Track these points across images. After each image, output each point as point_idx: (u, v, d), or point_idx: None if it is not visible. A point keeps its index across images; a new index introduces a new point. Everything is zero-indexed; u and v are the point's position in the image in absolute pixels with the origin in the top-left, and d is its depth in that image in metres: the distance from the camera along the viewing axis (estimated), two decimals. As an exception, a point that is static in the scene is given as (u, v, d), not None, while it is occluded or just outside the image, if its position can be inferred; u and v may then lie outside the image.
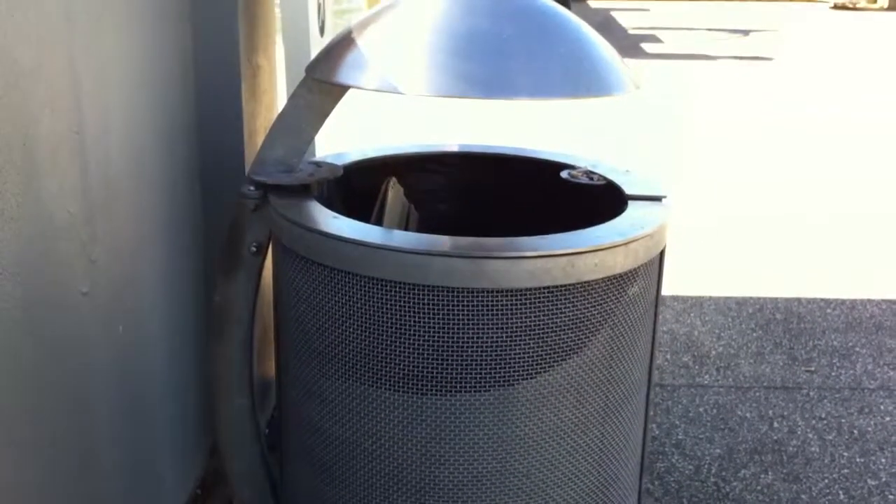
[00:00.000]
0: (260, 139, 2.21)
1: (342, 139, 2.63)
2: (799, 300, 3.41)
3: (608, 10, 10.82)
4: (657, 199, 1.60)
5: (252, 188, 1.62)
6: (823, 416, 2.63)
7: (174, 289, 1.99)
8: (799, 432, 2.55)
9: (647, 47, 8.57)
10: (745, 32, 9.61)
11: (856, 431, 2.56)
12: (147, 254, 1.82)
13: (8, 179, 1.25)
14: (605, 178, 1.71)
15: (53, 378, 1.42)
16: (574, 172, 1.74)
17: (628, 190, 1.63)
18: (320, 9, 2.24)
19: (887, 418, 2.63)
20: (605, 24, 9.58)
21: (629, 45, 8.44)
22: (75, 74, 1.46)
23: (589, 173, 1.74)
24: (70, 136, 1.45)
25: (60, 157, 1.42)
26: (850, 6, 11.15)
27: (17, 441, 1.31)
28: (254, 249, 1.66)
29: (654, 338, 1.60)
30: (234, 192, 1.72)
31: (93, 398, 1.57)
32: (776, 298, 3.42)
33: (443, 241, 1.41)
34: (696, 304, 3.33)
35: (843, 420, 2.61)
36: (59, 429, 1.45)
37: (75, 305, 1.49)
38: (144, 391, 1.83)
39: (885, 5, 11.46)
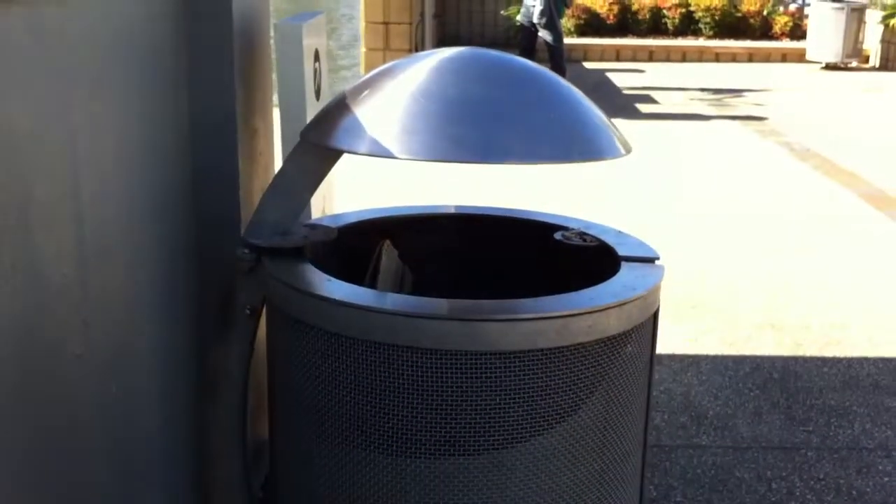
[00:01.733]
0: (256, 201, 2.22)
1: (337, 201, 2.64)
2: (796, 359, 3.40)
3: (603, 70, 10.94)
4: (650, 260, 1.61)
5: (247, 251, 1.63)
6: (822, 476, 2.61)
7: (168, 351, 1.99)
8: (797, 493, 2.52)
9: (642, 107, 8.66)
10: (739, 92, 9.72)
11: (854, 492, 2.54)
12: (141, 316, 1.82)
13: (3, 241, 1.26)
14: (598, 240, 1.72)
15: (45, 441, 1.41)
16: (567, 234, 1.76)
17: (621, 251, 1.64)
18: (316, 73, 2.27)
19: (886, 479, 2.61)
20: (601, 84, 9.69)
21: (623, 104, 8.53)
22: (72, 140, 1.47)
23: (582, 235, 1.75)
24: (66, 200, 1.46)
25: (56, 220, 1.42)
26: (843, 66, 11.28)
27: (9, 500, 1.30)
28: (248, 312, 1.67)
29: (648, 398, 1.60)
30: (229, 255, 1.73)
31: (84, 461, 1.56)
32: (773, 357, 3.41)
33: (437, 304, 1.41)
34: (692, 364, 3.32)
35: (841, 481, 2.59)
36: (49, 493, 1.43)
37: (68, 368, 1.48)
38: (137, 454, 1.82)
39: (877, 65, 11.60)
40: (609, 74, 10.68)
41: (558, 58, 9.05)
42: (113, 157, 1.65)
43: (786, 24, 12.60)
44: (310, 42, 2.19)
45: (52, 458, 1.44)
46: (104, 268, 1.61)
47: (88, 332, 1.55)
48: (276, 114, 2.31)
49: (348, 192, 3.53)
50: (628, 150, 1.46)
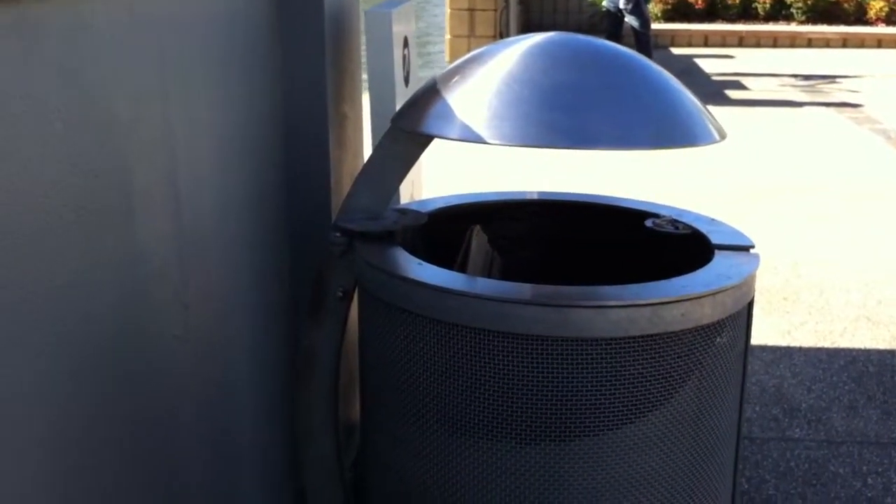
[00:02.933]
0: (345, 187, 2.25)
1: (427, 187, 2.66)
2: (893, 353, 3.30)
3: (691, 56, 10.74)
4: (745, 248, 1.58)
5: (339, 235, 1.65)
6: (920, 473, 2.53)
7: (261, 335, 2.03)
8: (895, 490, 2.45)
9: (731, 94, 8.48)
10: (832, 79, 9.44)
11: (955, 490, 2.46)
12: (237, 299, 1.86)
13: (107, 226, 1.30)
14: (690, 227, 1.69)
15: (144, 419, 1.45)
16: (659, 221, 1.73)
17: (714, 239, 1.61)
18: (405, 60, 2.28)
19: None
20: (689, 70, 9.51)
21: (713, 91, 8.36)
22: (170, 128, 1.51)
23: (674, 222, 1.72)
24: (165, 185, 1.50)
25: (155, 205, 1.46)
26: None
27: (108, 484, 1.35)
28: (340, 295, 1.69)
29: (742, 389, 1.57)
30: (320, 239, 1.75)
31: (182, 440, 1.61)
32: (869, 350, 3.31)
33: (527, 290, 1.41)
34: (785, 355, 3.25)
35: (941, 478, 2.51)
36: (148, 471, 1.48)
37: (168, 349, 1.53)
38: (232, 434, 1.86)
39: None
40: (697, 60, 10.48)
41: (645, 44, 8.92)
42: (208, 145, 1.69)
43: (881, 8, 12.18)
44: (399, 29, 2.20)
45: (153, 436, 1.48)
46: (201, 252, 1.65)
47: (187, 315, 1.59)
48: (364, 100, 2.33)
49: (432, 180, 3.55)
50: (723, 136, 1.43)
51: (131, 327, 1.39)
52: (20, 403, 1.11)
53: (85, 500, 1.28)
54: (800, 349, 3.31)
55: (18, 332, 1.10)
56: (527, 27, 11.51)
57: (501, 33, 9.29)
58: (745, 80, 9.31)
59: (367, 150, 2.54)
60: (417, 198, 2.42)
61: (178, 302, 1.55)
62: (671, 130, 1.39)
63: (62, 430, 1.21)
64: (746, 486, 2.44)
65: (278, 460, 2.17)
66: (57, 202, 1.17)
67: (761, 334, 3.26)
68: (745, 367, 1.56)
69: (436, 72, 1.59)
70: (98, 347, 1.29)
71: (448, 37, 9.59)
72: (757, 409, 2.88)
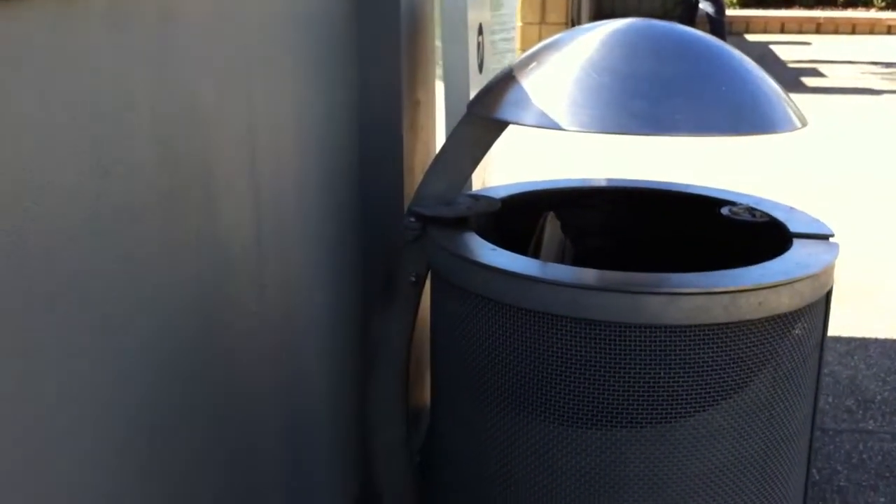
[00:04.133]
0: (418, 173, 2.27)
1: (499, 174, 2.66)
2: (973, 346, 3.22)
3: (767, 43, 10.54)
4: (824, 237, 1.55)
5: (412, 220, 1.66)
6: None
7: (334, 318, 2.06)
8: (972, 486, 2.40)
9: (808, 81, 8.31)
10: (913, 65, 9.19)
11: None
12: (312, 281, 1.90)
13: (190, 210, 1.34)
14: (767, 216, 1.67)
15: (220, 398, 1.49)
16: (735, 209, 1.72)
17: (793, 228, 1.59)
18: (480, 47, 2.29)
19: None
20: (764, 57, 9.35)
21: (789, 78, 8.21)
22: (251, 116, 1.54)
23: (751, 210, 1.71)
24: (245, 171, 1.53)
25: (237, 190, 1.50)
26: None
27: (189, 458, 1.39)
28: (412, 280, 1.71)
29: (818, 380, 1.55)
30: (394, 225, 1.77)
31: (257, 420, 1.64)
32: (947, 343, 3.24)
33: (600, 276, 1.41)
34: (860, 347, 3.19)
35: None
36: (226, 442, 1.52)
37: (246, 327, 1.56)
38: (303, 415, 1.90)
39: None
40: (773, 47, 10.29)
41: (719, 30, 8.79)
42: (287, 134, 1.72)
43: (965, -7, 11.82)
44: (474, 16, 2.21)
45: (230, 411, 1.52)
46: (279, 235, 1.69)
47: (265, 295, 1.62)
48: (438, 87, 2.34)
49: (502, 167, 3.55)
50: (804, 123, 1.41)
51: (210, 307, 1.43)
52: (109, 379, 1.15)
53: (165, 468, 1.32)
54: (875, 341, 3.25)
55: (106, 311, 1.14)
56: (598, 14, 11.41)
57: (573, 20, 9.23)
58: (822, 68, 9.11)
59: (441, 137, 2.56)
60: (488, 185, 2.43)
61: (256, 284, 1.59)
62: (751, 117, 1.37)
63: (147, 401, 1.25)
64: (818, 478, 2.40)
65: (347, 444, 2.21)
66: (142, 185, 1.21)
67: (836, 325, 3.21)
68: (821, 357, 1.54)
69: (508, 59, 1.60)
70: (178, 326, 1.33)
71: (519, 24, 9.56)
72: (830, 399, 2.84)
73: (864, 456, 2.52)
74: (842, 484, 2.39)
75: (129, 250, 1.18)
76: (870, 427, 2.68)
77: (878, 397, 2.85)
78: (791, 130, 1.40)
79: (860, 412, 2.77)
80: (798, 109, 1.44)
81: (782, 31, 11.45)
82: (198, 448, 1.41)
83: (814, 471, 2.40)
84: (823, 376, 2.95)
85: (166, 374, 1.30)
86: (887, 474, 2.43)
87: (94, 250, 1.10)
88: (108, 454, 1.16)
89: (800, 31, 11.38)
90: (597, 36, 1.45)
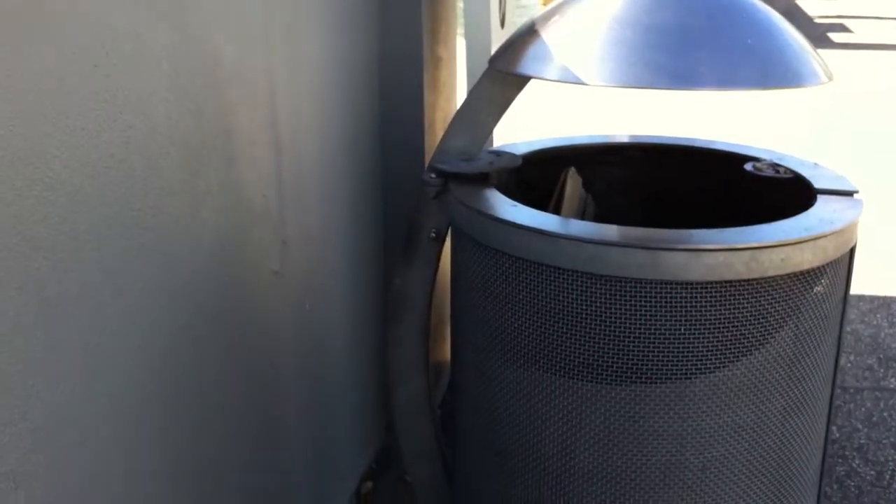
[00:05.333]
0: (439, 129, 2.26)
1: (519, 130, 2.65)
2: None
3: (792, -3, 10.41)
4: (848, 194, 1.54)
5: (433, 176, 1.66)
6: None
7: (356, 272, 2.07)
8: None
9: (835, 37, 8.20)
10: (943, 20, 9.03)
11: None
12: (332, 238, 1.90)
13: (211, 164, 1.34)
14: (792, 172, 1.66)
15: (243, 351, 1.50)
16: (759, 165, 1.70)
17: (817, 184, 1.58)
18: (502, 2, 2.27)
19: None
20: (789, 12, 9.21)
21: (815, 34, 8.09)
22: (271, 73, 1.54)
23: (775, 166, 1.69)
24: (266, 128, 1.53)
25: (257, 147, 1.50)
26: None
27: (210, 408, 1.40)
28: (433, 236, 1.70)
29: (839, 338, 1.55)
30: (414, 181, 1.77)
31: (279, 371, 1.66)
32: (971, 301, 3.22)
33: (621, 232, 1.40)
34: (883, 305, 3.17)
35: None
36: (246, 400, 1.53)
37: (267, 284, 1.57)
38: (326, 368, 1.92)
39: None
40: (799, 2, 10.13)
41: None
42: (308, 89, 1.72)
43: None
44: (495, -30, 2.18)
45: (252, 362, 1.54)
46: (299, 192, 1.69)
47: (286, 252, 1.63)
48: (460, 43, 2.33)
49: (523, 123, 3.53)
50: (830, 77, 1.39)
51: (233, 262, 1.44)
52: (131, 329, 1.16)
53: (189, 417, 1.33)
54: (899, 299, 3.23)
55: (128, 264, 1.15)
56: (621, -32, 11.22)
57: (595, -26, 9.10)
58: (849, 23, 8.97)
59: (462, 93, 2.54)
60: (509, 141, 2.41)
61: (277, 240, 1.60)
62: (776, 71, 1.36)
63: (168, 352, 1.26)
64: (837, 435, 2.41)
65: (369, 396, 2.23)
66: (164, 140, 1.21)
67: (859, 283, 3.19)
68: (843, 315, 1.53)
69: (530, 14, 1.58)
70: (201, 279, 1.34)
71: (541, -22, 9.44)
72: (852, 358, 2.83)
73: (885, 414, 2.52)
74: (862, 441, 2.39)
75: (152, 204, 1.18)
76: (891, 385, 2.67)
77: (901, 356, 2.84)
78: (817, 84, 1.38)
79: (881, 370, 2.76)
80: (825, 63, 1.42)
81: (809, -15, 11.28)
82: (220, 396, 1.43)
83: (833, 428, 2.40)
84: (846, 334, 2.94)
85: (188, 325, 1.31)
86: (908, 432, 2.43)
87: (116, 203, 1.11)
88: (133, 401, 1.18)
89: (827, -14, 11.21)
90: (620, -11, 1.43)
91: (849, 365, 2.78)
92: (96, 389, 1.09)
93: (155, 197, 1.19)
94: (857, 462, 2.29)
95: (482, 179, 1.62)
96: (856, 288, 1.53)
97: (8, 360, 0.94)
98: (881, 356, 2.84)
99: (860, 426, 2.45)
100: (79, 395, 1.06)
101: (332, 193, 1.88)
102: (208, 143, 1.33)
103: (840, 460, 2.30)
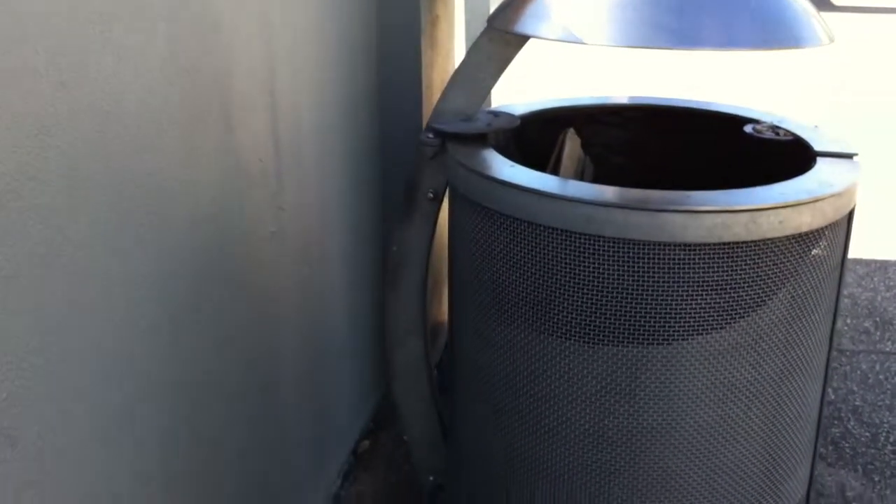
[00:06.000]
0: (437, 89, 2.25)
1: (519, 91, 2.63)
2: None
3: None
4: (848, 156, 1.53)
5: (431, 136, 1.65)
6: None
7: (354, 234, 2.06)
8: None
9: (837, 0, 8.14)
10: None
11: None
12: (330, 201, 1.89)
13: (208, 127, 1.33)
14: (791, 134, 1.65)
15: (242, 315, 1.50)
16: (759, 127, 1.69)
17: (817, 146, 1.57)
18: (501, -42, 2.24)
19: None
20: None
21: (817, -5, 8.03)
22: (268, 35, 1.52)
23: (775, 128, 1.68)
24: (263, 93, 1.52)
25: (254, 111, 1.49)
26: None
27: (209, 368, 1.40)
28: (430, 196, 1.70)
29: (837, 301, 1.55)
30: (412, 141, 1.76)
31: (278, 333, 1.66)
32: (968, 265, 3.22)
33: (619, 193, 1.40)
34: (880, 268, 3.17)
35: None
36: (245, 361, 1.53)
37: (265, 248, 1.57)
38: (324, 329, 1.92)
39: None
40: (801, -38, 10.02)
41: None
42: (305, 49, 1.70)
43: None
44: (495, -73, 2.16)
45: (250, 326, 1.54)
46: (297, 155, 1.68)
47: (283, 217, 1.62)
48: (457, 1, 2.30)
49: (516, 89, 3.50)
50: (831, 39, 1.38)
51: (230, 226, 1.43)
52: (130, 292, 1.16)
53: (188, 378, 1.34)
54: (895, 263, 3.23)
55: (124, 226, 1.14)
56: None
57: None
58: (851, -16, 8.89)
59: (461, 53, 2.52)
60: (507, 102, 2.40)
61: (274, 205, 1.59)
62: (778, 32, 1.34)
63: (164, 315, 1.26)
64: (833, 397, 2.42)
65: (368, 357, 2.23)
66: (160, 100, 1.20)
67: (857, 246, 3.19)
68: (841, 278, 1.53)
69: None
70: (199, 243, 1.34)
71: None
72: (849, 321, 2.84)
73: (881, 377, 2.53)
74: (857, 404, 2.40)
75: (148, 163, 1.18)
76: (887, 348, 2.68)
77: (897, 319, 2.85)
78: (818, 46, 1.37)
79: (878, 333, 2.77)
80: (826, 25, 1.41)
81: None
82: (215, 356, 1.43)
83: (829, 390, 2.41)
84: (842, 297, 2.94)
85: (185, 289, 1.30)
86: (903, 395, 2.45)
87: (111, 164, 1.10)
88: (130, 362, 1.18)
89: (830, -54, 11.09)
90: (621, -53, 1.41)
91: (845, 328, 2.79)
92: (91, 351, 1.09)
93: (151, 159, 1.18)
94: (852, 424, 2.31)
95: (480, 140, 1.61)
96: (853, 251, 1.53)
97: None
98: (877, 319, 2.85)
99: (856, 388, 2.46)
100: (77, 356, 1.06)
101: (330, 157, 1.87)
102: (205, 107, 1.32)
103: (835, 422, 2.31)
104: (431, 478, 1.87)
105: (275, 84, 1.55)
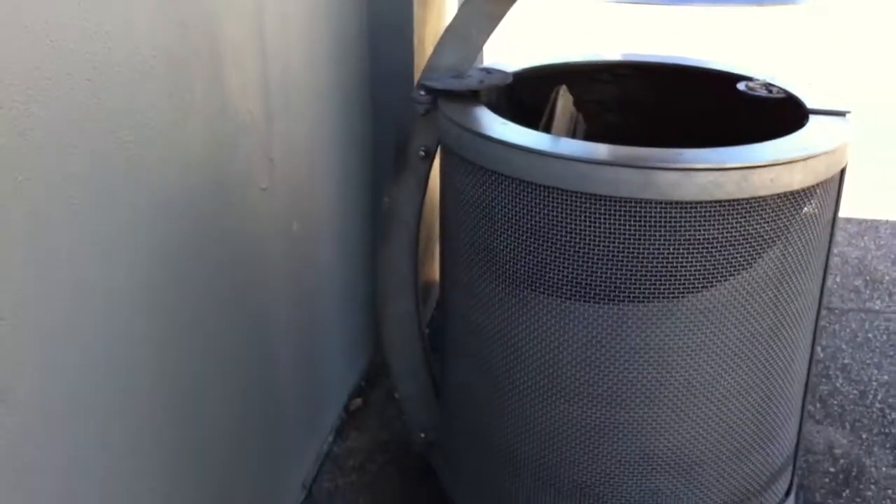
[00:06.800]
0: (428, 46, 2.23)
1: (511, 48, 2.61)
2: (983, 227, 3.21)
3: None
4: (840, 114, 1.53)
5: (422, 94, 1.64)
6: None
7: (345, 191, 2.06)
8: (975, 365, 2.43)
9: (832, -45, 8.06)
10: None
11: None
12: (320, 156, 1.88)
13: (196, 74, 1.31)
14: (784, 91, 1.64)
15: (233, 270, 1.50)
16: (752, 85, 1.68)
17: (809, 104, 1.56)
18: (494, -88, 2.21)
19: None
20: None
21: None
22: (258, -22, 1.50)
23: (768, 86, 1.67)
24: (252, 40, 1.50)
25: (243, 59, 1.47)
26: None
27: (199, 326, 1.40)
28: (422, 154, 1.69)
29: (828, 259, 1.55)
30: (402, 99, 1.75)
31: (268, 289, 1.66)
32: (958, 224, 3.23)
33: (612, 151, 1.39)
34: (870, 228, 3.18)
35: None
36: (236, 318, 1.53)
37: (255, 201, 1.56)
38: (315, 287, 1.92)
39: None
40: (797, -81, 9.93)
41: None
42: (295, 2, 1.68)
43: None
44: None
45: (241, 278, 1.53)
46: (286, 106, 1.67)
47: (273, 169, 1.61)
48: (450, -43, 2.27)
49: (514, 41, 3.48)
50: (826, -6, 1.37)
51: (221, 179, 1.42)
52: (121, 246, 1.15)
53: (177, 332, 1.33)
54: (886, 222, 3.24)
55: (114, 179, 1.13)
56: None
57: None
58: (846, -59, 8.82)
59: (453, 8, 2.50)
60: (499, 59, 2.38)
61: (264, 156, 1.58)
62: (772, -13, 1.33)
63: (155, 268, 1.25)
64: (822, 355, 2.43)
65: (358, 315, 2.23)
66: (148, 52, 1.18)
67: (848, 205, 3.20)
68: (832, 236, 1.54)
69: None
70: (189, 196, 1.33)
71: None
72: (838, 279, 2.85)
73: (870, 335, 2.54)
74: (846, 362, 2.42)
75: (137, 115, 1.16)
76: (876, 307, 2.70)
77: (887, 278, 2.85)
78: (810, 2, 1.36)
79: (867, 292, 2.78)
80: (821, -20, 1.40)
81: None
82: (208, 307, 1.43)
83: (818, 348, 2.43)
84: (832, 256, 2.95)
85: (175, 241, 1.30)
86: (891, 353, 2.46)
87: (99, 116, 1.09)
88: (120, 316, 1.18)
89: None
90: None
91: (835, 286, 2.80)
92: (84, 303, 1.09)
93: (139, 111, 1.17)
94: (840, 381, 2.32)
95: (472, 97, 1.60)
96: (844, 210, 1.53)
97: (-8, 275, 0.93)
98: (867, 278, 2.86)
99: (844, 346, 2.48)
100: (66, 309, 1.05)
101: (320, 110, 1.86)
102: (193, 55, 1.30)
103: (824, 379, 2.33)
104: (423, 434, 1.88)
105: (263, 29, 1.53)
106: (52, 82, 0.99)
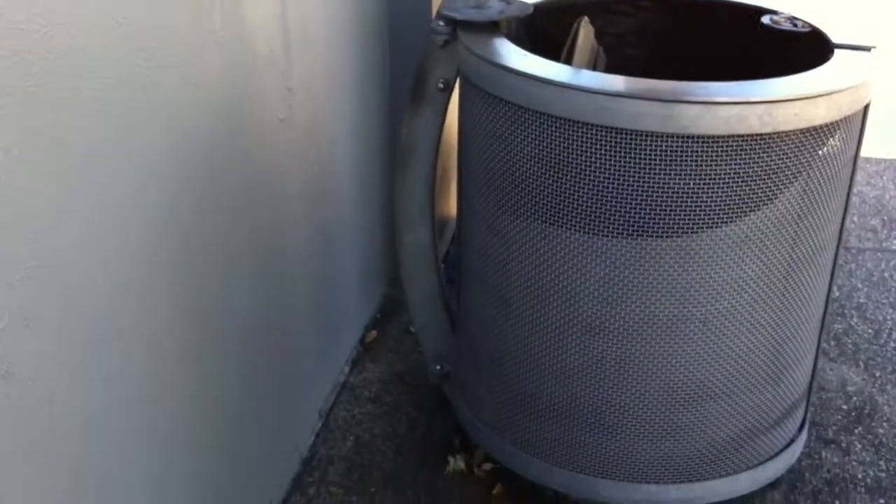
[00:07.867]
0: (448, -24, 2.19)
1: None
2: None
3: None
4: (866, 49, 1.50)
5: (442, 24, 1.62)
6: None
7: (363, 122, 2.05)
8: None
9: None
10: None
11: None
12: (338, 87, 1.87)
13: (215, 5, 1.30)
14: (809, 25, 1.61)
15: (252, 200, 1.50)
16: (776, 18, 1.66)
17: (835, 38, 1.54)
18: None
19: None
20: None
21: None
22: None
23: (793, 19, 1.65)
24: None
25: (263, -14, 1.45)
26: None
27: (219, 252, 1.41)
28: (441, 86, 1.68)
29: (848, 197, 1.54)
30: (422, 29, 1.72)
31: (286, 221, 1.66)
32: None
33: (634, 83, 1.38)
34: (890, 167, 3.15)
35: None
36: (254, 247, 1.54)
37: (273, 132, 1.55)
38: (332, 219, 1.92)
39: None
40: None
41: None
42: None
43: None
44: None
45: (260, 209, 1.53)
46: (305, 38, 1.65)
47: (292, 99, 1.60)
48: None
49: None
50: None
51: (239, 109, 1.42)
52: (140, 177, 1.15)
53: (197, 263, 1.34)
54: (907, 162, 3.21)
55: (132, 111, 1.13)
56: None
57: None
58: None
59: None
60: None
61: (282, 86, 1.57)
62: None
63: (174, 201, 1.26)
64: (837, 294, 2.43)
65: (375, 247, 2.24)
66: (167, -21, 1.17)
67: (867, 144, 3.16)
68: (853, 173, 1.52)
69: None
70: (207, 126, 1.32)
71: None
72: (856, 219, 2.83)
73: (886, 274, 2.54)
74: (861, 301, 2.42)
75: (151, 49, 1.16)
76: (893, 246, 2.68)
77: (904, 217, 2.84)
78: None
79: (885, 232, 2.77)
80: None
81: None
82: (227, 250, 1.43)
83: (834, 287, 2.42)
84: (851, 195, 2.93)
85: (194, 175, 1.30)
86: (907, 293, 2.46)
87: (116, 47, 1.08)
88: (141, 250, 1.18)
89: None
90: None
91: (852, 225, 2.79)
92: (103, 235, 1.09)
93: (156, 38, 1.16)
94: (855, 320, 2.32)
95: (492, 28, 1.58)
96: (864, 150, 1.51)
97: (14, 209, 0.93)
98: (885, 218, 2.84)
99: (860, 285, 2.47)
100: (86, 240, 1.06)
101: (339, 40, 1.84)
102: (212, -16, 1.29)
103: (839, 318, 2.33)
104: (438, 366, 1.90)
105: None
106: (65, 13, 0.98)
